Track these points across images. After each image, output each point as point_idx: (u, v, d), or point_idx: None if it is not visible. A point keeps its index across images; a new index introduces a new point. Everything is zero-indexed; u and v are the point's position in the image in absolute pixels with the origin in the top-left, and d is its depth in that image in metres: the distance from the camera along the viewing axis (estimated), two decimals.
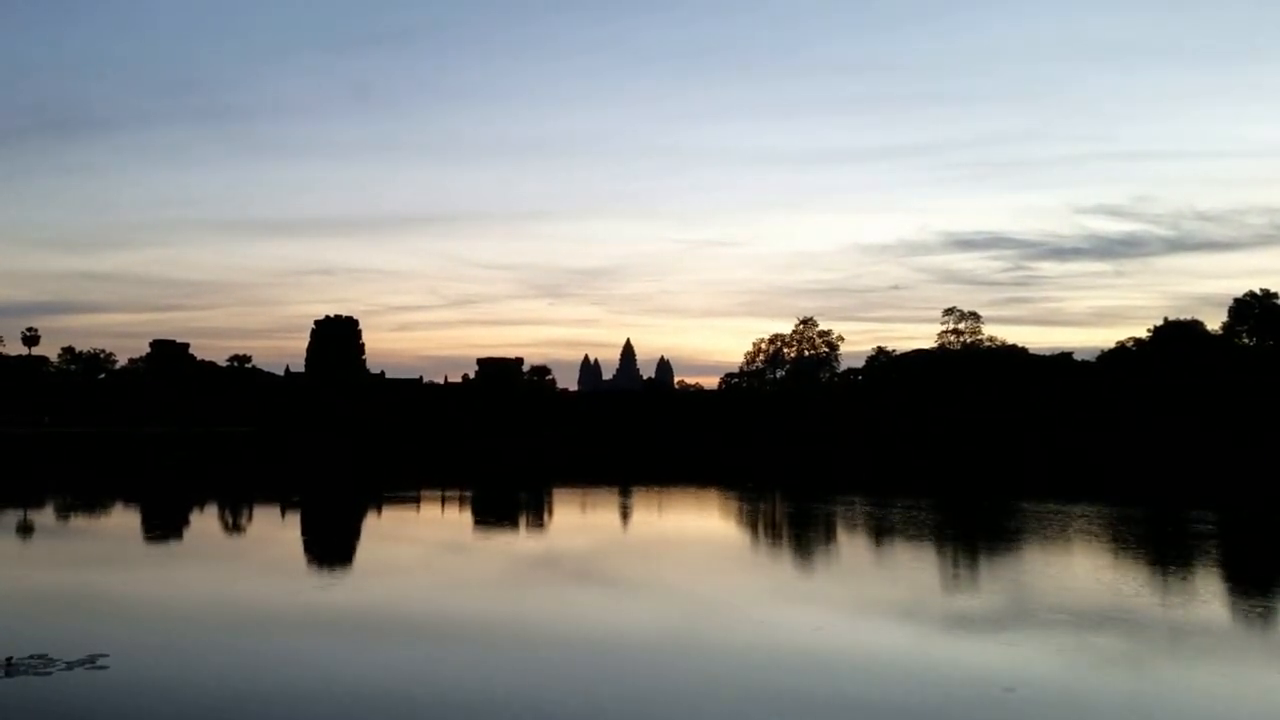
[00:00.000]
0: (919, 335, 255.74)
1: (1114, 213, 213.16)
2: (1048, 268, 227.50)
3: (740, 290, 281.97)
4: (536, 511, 31.55)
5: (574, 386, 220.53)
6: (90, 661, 10.87)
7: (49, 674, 10.39)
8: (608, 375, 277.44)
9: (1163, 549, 22.11)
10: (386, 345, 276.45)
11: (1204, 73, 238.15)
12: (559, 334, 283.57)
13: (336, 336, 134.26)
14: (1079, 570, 18.81)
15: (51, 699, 9.59)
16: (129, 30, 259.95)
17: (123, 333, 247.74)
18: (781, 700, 9.86)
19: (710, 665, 11.28)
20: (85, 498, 34.66)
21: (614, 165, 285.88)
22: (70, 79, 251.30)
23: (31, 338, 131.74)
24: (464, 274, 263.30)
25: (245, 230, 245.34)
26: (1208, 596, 16.38)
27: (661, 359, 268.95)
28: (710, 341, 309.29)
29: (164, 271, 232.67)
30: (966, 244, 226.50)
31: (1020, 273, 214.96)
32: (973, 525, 26.67)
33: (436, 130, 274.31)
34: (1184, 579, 17.98)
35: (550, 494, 37.95)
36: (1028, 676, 10.86)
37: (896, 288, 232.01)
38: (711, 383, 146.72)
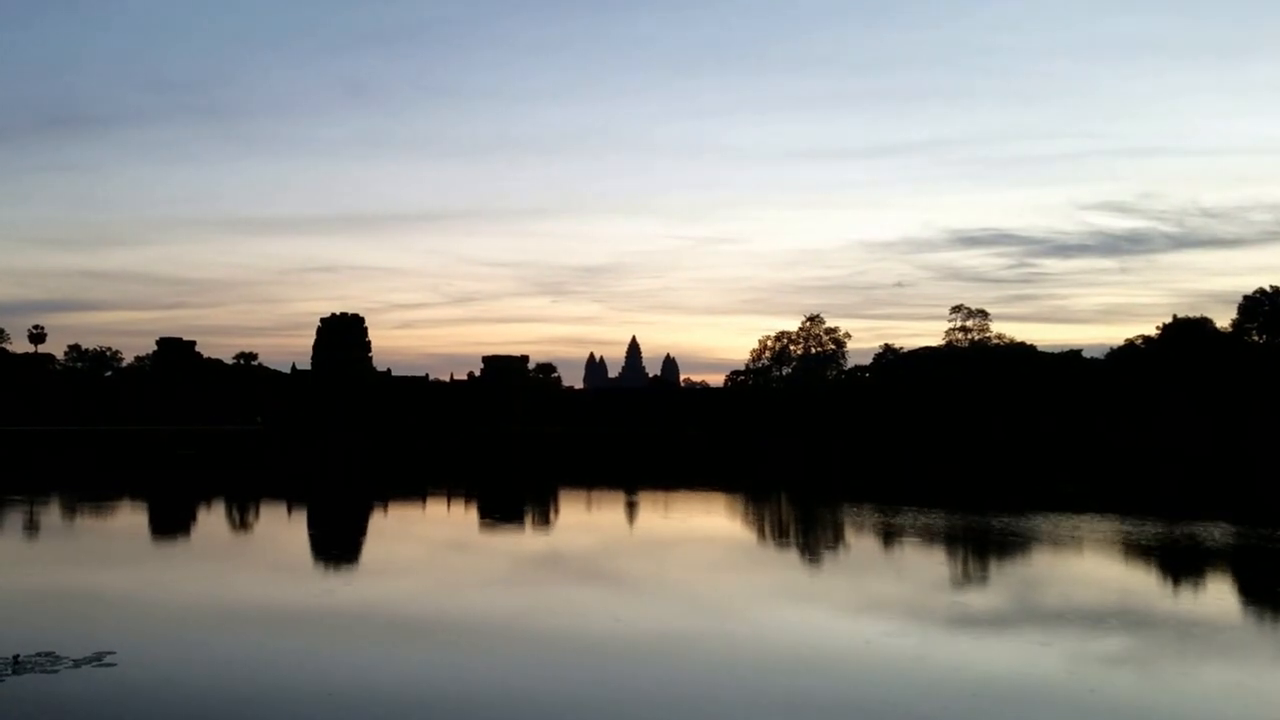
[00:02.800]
0: (923, 333, 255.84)
1: (1118, 209, 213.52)
2: (1052, 265, 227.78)
3: (743, 287, 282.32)
4: (542, 510, 31.44)
5: (579, 384, 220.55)
6: (98, 659, 10.84)
7: (56, 671, 10.36)
8: (613, 373, 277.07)
9: (1172, 550, 22.00)
10: (390, 343, 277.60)
11: (1208, 69, 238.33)
12: (562, 331, 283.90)
13: (342, 334, 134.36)
14: (1086, 571, 18.74)
15: (59, 697, 9.57)
16: (129, 29, 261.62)
17: (128, 330, 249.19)
18: (785, 700, 9.82)
19: (714, 665, 11.23)
20: (91, 495, 34.59)
21: (614, 162, 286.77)
22: (71, 77, 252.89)
23: (38, 335, 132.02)
24: (466, 271, 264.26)
25: (245, 228, 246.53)
26: (1216, 596, 16.31)
27: (667, 356, 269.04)
28: (715, 339, 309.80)
29: (166, 269, 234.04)
30: (970, 241, 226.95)
31: (1024, 270, 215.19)
32: (981, 528, 26.43)
33: (433, 128, 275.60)
34: (1193, 579, 17.89)
35: (556, 492, 37.81)
36: (1032, 676, 10.80)
37: (900, 285, 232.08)
38: (717, 380, 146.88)
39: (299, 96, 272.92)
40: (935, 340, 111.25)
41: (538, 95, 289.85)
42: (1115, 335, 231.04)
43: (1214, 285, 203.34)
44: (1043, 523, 25.99)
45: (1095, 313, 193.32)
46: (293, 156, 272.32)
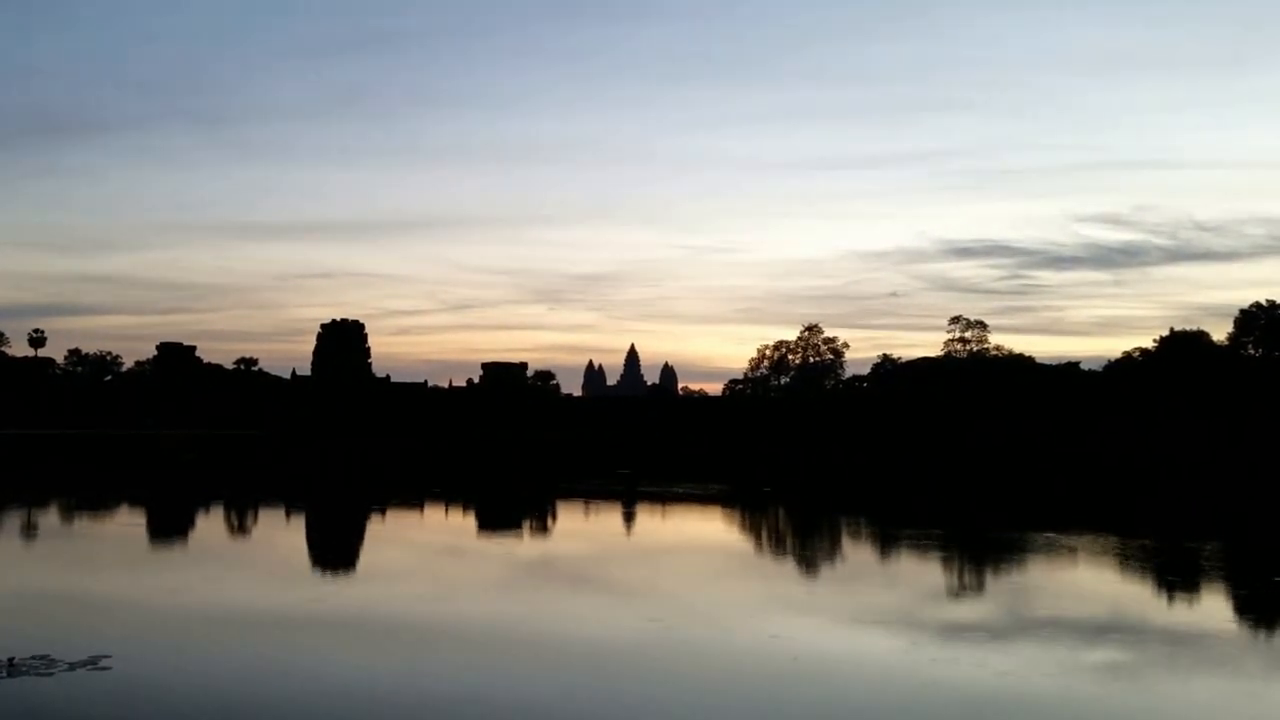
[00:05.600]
0: (918, 343, 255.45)
1: (1113, 222, 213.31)
2: (1046, 276, 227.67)
3: (738, 297, 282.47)
4: (540, 517, 31.49)
5: (578, 391, 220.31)
6: (93, 663, 10.85)
7: (51, 675, 10.38)
8: (612, 380, 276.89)
9: (1166, 563, 22.12)
10: (388, 349, 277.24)
11: (1203, 82, 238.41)
12: (559, 339, 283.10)
13: (343, 340, 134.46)
14: (1079, 583, 18.76)
15: (53, 700, 9.59)
16: (124, 34, 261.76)
17: (127, 335, 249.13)
18: (777, 710, 9.84)
19: (704, 673, 11.26)
20: (90, 499, 34.65)
21: (610, 171, 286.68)
22: (67, 82, 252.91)
23: (38, 339, 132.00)
24: (462, 279, 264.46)
25: (242, 234, 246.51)
26: (1209, 609, 16.33)
27: (666, 365, 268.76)
28: (712, 348, 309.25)
29: (165, 274, 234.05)
30: (964, 252, 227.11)
31: (1018, 281, 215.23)
32: (976, 541, 26.61)
33: (427, 135, 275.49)
34: (1186, 592, 17.93)
35: (554, 499, 37.81)
36: (1025, 687, 10.81)
37: (895, 295, 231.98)
38: (715, 389, 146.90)
39: (293, 102, 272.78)
40: (930, 350, 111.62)
41: (532, 103, 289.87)
42: (1110, 347, 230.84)
43: (1208, 298, 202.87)
44: (1038, 536, 26.04)
45: (1090, 325, 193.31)
46: (287, 162, 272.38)
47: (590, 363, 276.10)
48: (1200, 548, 24.36)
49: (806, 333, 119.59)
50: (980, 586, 18.57)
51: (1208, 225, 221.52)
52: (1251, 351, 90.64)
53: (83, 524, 27.68)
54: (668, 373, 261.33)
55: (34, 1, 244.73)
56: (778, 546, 25.59)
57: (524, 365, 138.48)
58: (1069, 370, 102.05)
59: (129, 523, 28.63)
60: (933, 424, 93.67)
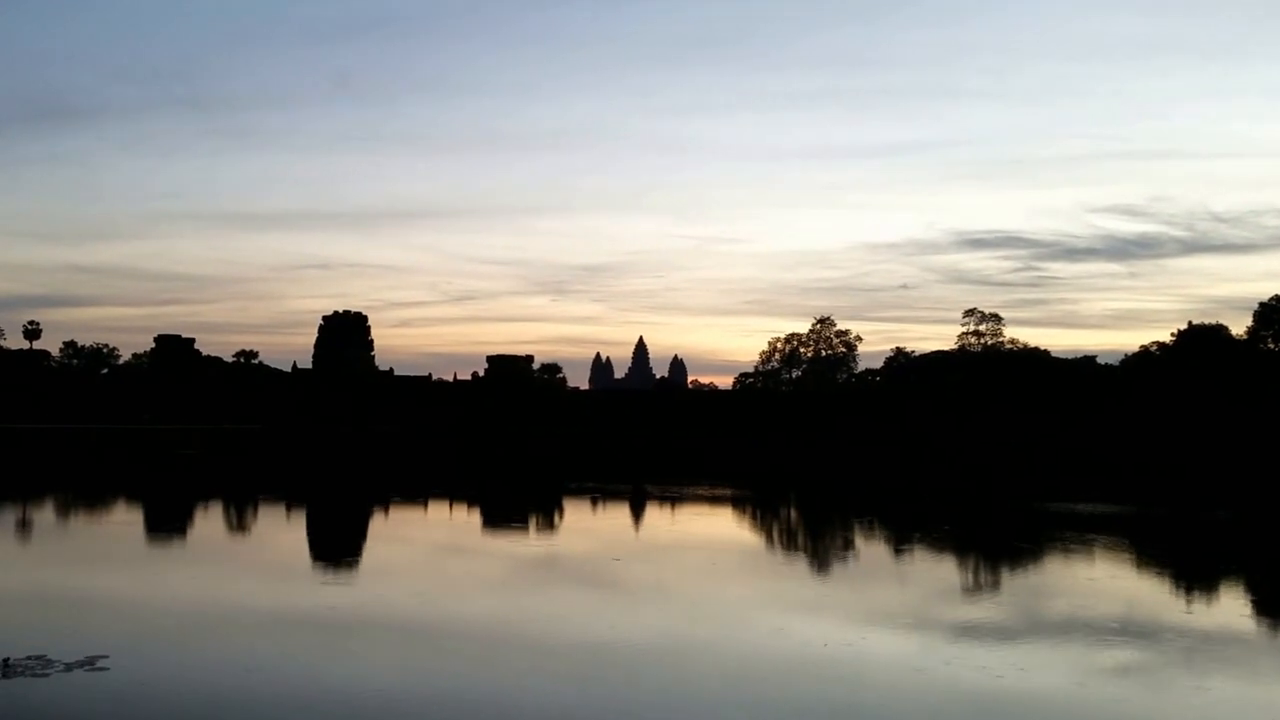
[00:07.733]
0: (930, 335, 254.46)
1: (1128, 212, 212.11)
2: (1060, 268, 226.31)
3: (746, 288, 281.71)
4: (545, 514, 30.99)
5: (584, 384, 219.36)
6: (89, 663, 10.60)
7: (47, 675, 10.14)
8: (620, 373, 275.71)
9: (1180, 562, 21.78)
10: (390, 341, 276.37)
11: (1219, 72, 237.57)
12: (564, 331, 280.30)
13: (345, 332, 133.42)
14: (1092, 581, 18.27)
15: (50, 700, 9.39)
16: (117, 20, 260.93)
17: (124, 327, 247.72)
18: (784, 710, 9.56)
19: (712, 673, 10.97)
20: (86, 495, 34.22)
21: (614, 159, 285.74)
22: (59, 69, 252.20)
23: (33, 331, 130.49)
24: (464, 270, 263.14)
25: (238, 223, 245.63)
26: (1225, 609, 16.01)
27: (675, 358, 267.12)
28: (720, 340, 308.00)
29: (162, 265, 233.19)
30: (976, 243, 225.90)
31: (1031, 273, 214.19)
32: (988, 540, 26.34)
33: (423, 122, 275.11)
34: (1201, 592, 17.57)
35: (559, 495, 36.87)
36: (1038, 687, 10.47)
37: (905, 287, 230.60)
38: (725, 382, 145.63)
39: (290, 90, 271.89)
40: (942, 343, 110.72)
41: (533, 90, 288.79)
42: (1125, 340, 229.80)
43: (1225, 291, 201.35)
44: (1053, 533, 25.54)
45: (1105, 317, 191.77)
46: (283, 150, 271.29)
47: (598, 355, 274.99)
48: (1218, 546, 23.97)
49: (819, 325, 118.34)
50: (994, 584, 18.20)
51: (1225, 216, 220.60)
52: (1271, 345, 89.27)
53: (79, 521, 27.29)
54: (677, 365, 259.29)
55: None
56: (786, 544, 25.15)
57: (530, 358, 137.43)
58: (1085, 364, 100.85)
59: (126, 519, 28.21)
60: (947, 418, 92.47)
